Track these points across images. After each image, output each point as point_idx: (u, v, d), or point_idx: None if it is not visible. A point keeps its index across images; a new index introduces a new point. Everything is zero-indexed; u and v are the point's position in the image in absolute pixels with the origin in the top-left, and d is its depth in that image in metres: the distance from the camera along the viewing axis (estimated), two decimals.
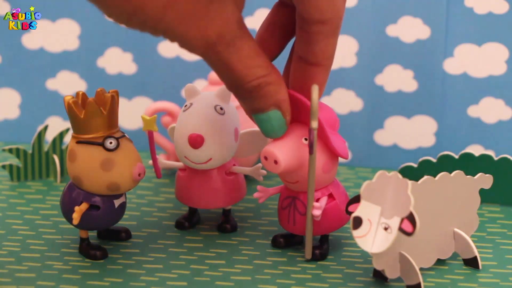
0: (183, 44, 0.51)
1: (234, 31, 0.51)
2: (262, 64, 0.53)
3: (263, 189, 0.63)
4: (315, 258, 0.61)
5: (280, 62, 0.59)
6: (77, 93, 0.58)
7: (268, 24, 0.58)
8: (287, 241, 0.63)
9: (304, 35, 0.54)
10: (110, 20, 0.49)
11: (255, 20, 0.76)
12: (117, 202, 0.60)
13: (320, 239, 0.62)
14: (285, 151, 0.58)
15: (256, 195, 0.63)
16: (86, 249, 0.61)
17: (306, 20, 0.53)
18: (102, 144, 0.57)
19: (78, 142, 0.58)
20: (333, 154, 0.59)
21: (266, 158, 0.58)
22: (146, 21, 0.49)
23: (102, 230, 0.63)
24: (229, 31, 0.51)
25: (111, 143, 0.57)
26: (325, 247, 0.62)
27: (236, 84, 0.53)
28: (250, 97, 0.54)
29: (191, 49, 0.51)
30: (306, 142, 0.58)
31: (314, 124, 0.56)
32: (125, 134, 0.59)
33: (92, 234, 0.63)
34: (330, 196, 0.60)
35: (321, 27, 0.53)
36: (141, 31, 0.50)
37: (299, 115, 0.58)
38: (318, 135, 0.58)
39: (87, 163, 0.57)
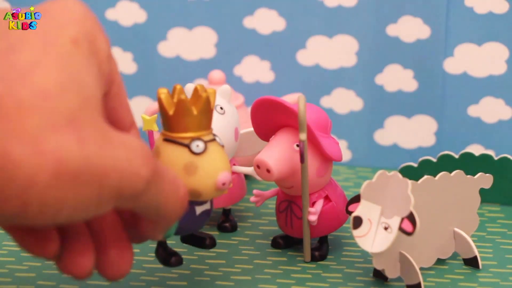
0: None
1: None
2: None
3: (259, 193, 0.62)
4: (314, 260, 0.61)
5: None
6: (174, 87, 0.52)
7: None
8: (287, 242, 0.63)
9: None
10: None
11: (255, 20, 0.76)
12: (199, 209, 0.54)
13: (319, 240, 0.62)
14: (277, 159, 0.57)
15: (252, 199, 0.62)
16: None
17: None
18: (188, 146, 0.51)
19: (165, 140, 0.52)
20: (326, 157, 0.59)
21: (258, 166, 0.58)
22: None
23: (186, 235, 0.58)
24: None
25: (198, 146, 0.51)
26: (324, 248, 0.62)
27: None
28: None
29: None
30: (298, 149, 0.58)
31: (303, 137, 0.56)
32: (216, 138, 0.52)
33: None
34: (326, 198, 0.60)
35: None
36: None
37: (289, 121, 0.58)
38: (309, 141, 0.57)
39: (170, 163, 0.51)
